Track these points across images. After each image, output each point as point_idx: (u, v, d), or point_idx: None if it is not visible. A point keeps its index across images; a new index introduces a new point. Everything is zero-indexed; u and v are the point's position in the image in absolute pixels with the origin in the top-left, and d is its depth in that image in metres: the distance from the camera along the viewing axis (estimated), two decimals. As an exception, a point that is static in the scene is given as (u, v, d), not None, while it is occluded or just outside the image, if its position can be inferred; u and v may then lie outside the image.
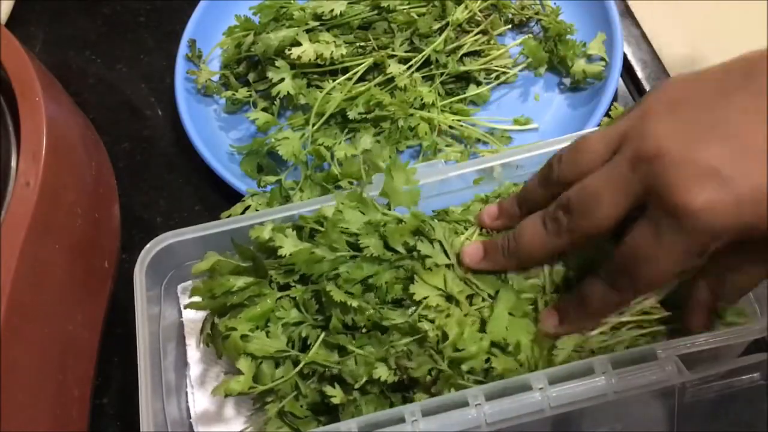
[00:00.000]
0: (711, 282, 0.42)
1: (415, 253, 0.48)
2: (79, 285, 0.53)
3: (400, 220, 0.49)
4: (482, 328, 0.45)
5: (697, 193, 0.34)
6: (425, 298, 0.46)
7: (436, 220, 0.49)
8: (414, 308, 0.46)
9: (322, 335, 0.47)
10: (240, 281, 0.48)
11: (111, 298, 0.59)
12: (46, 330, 0.48)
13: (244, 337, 0.46)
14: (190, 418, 0.52)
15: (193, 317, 0.55)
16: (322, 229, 0.49)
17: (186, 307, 0.51)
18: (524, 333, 0.44)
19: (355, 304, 0.46)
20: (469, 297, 0.47)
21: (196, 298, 0.50)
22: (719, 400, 0.42)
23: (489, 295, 0.46)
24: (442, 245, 0.47)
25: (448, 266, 0.47)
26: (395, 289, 0.47)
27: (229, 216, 0.61)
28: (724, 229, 0.34)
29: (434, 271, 0.46)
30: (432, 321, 0.45)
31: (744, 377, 0.42)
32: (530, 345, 0.44)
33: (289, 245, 0.48)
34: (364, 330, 0.47)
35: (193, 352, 0.54)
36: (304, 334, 0.48)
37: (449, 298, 0.46)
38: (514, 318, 0.45)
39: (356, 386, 0.45)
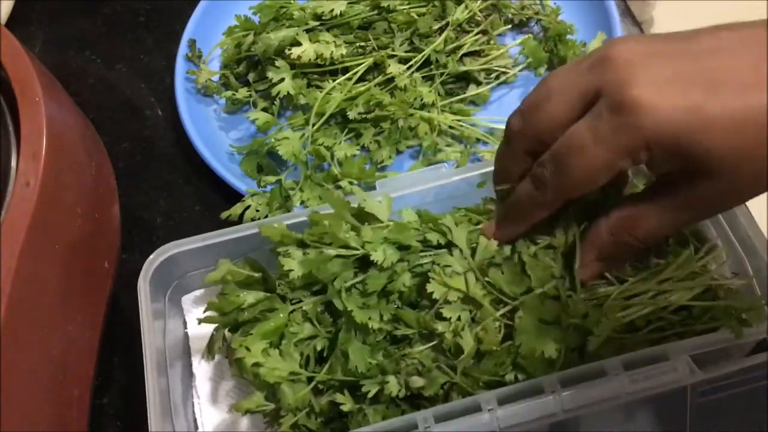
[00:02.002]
0: (614, 223, 0.41)
1: (431, 253, 0.47)
2: (79, 285, 0.53)
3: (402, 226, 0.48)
4: (507, 333, 0.44)
5: (645, 88, 0.33)
6: (446, 294, 0.45)
7: (453, 221, 0.48)
8: (428, 310, 0.46)
9: (336, 351, 0.46)
10: (251, 297, 0.48)
11: (111, 298, 0.59)
12: (46, 330, 0.48)
13: (256, 364, 0.45)
14: (197, 428, 0.52)
15: (198, 329, 0.54)
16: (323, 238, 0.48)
17: (200, 321, 0.50)
18: (554, 342, 0.43)
19: (376, 326, 0.45)
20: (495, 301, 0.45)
21: (210, 313, 0.49)
22: (731, 399, 0.42)
23: (515, 298, 0.45)
24: (462, 252, 0.46)
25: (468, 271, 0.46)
26: (411, 292, 0.46)
27: (228, 216, 0.61)
28: (659, 133, 0.34)
29: (453, 277, 0.45)
30: (448, 319, 0.44)
31: (754, 375, 0.42)
32: (559, 354, 0.43)
33: (297, 266, 0.47)
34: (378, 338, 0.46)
35: (199, 364, 0.54)
36: (318, 348, 0.47)
37: (469, 300, 0.45)
38: (544, 326, 0.43)
39: (369, 395, 0.45)
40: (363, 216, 0.49)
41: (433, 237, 0.47)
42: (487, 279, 0.45)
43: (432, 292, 0.45)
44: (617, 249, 0.42)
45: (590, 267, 0.44)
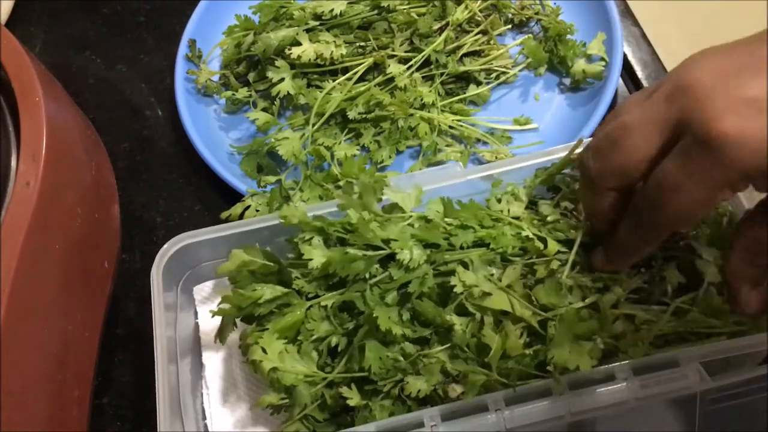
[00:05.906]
0: (746, 250, 0.40)
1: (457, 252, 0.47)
2: (79, 285, 0.53)
3: (426, 219, 0.48)
4: (530, 339, 0.44)
5: (731, 120, 0.32)
6: (473, 287, 0.44)
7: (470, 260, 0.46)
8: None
9: (352, 350, 0.46)
10: (268, 292, 0.47)
11: (111, 298, 0.59)
12: (46, 330, 0.48)
13: (273, 369, 0.45)
14: (205, 419, 0.52)
15: (208, 320, 0.54)
16: (348, 236, 0.47)
17: (214, 314, 0.49)
18: (586, 358, 0.42)
19: (400, 332, 0.44)
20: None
21: (224, 305, 0.48)
22: (741, 409, 0.42)
23: (546, 308, 0.44)
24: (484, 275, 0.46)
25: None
26: (432, 292, 0.46)
27: (228, 216, 0.61)
28: (755, 164, 0.33)
29: (489, 298, 0.45)
30: (471, 315, 0.44)
31: (765, 385, 0.41)
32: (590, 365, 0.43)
33: (318, 256, 0.46)
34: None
35: (209, 354, 0.54)
36: (333, 344, 0.47)
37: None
38: (577, 344, 0.43)
39: (385, 389, 0.44)
40: (388, 207, 0.49)
41: (457, 241, 0.47)
42: (526, 291, 0.45)
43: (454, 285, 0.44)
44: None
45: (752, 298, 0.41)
